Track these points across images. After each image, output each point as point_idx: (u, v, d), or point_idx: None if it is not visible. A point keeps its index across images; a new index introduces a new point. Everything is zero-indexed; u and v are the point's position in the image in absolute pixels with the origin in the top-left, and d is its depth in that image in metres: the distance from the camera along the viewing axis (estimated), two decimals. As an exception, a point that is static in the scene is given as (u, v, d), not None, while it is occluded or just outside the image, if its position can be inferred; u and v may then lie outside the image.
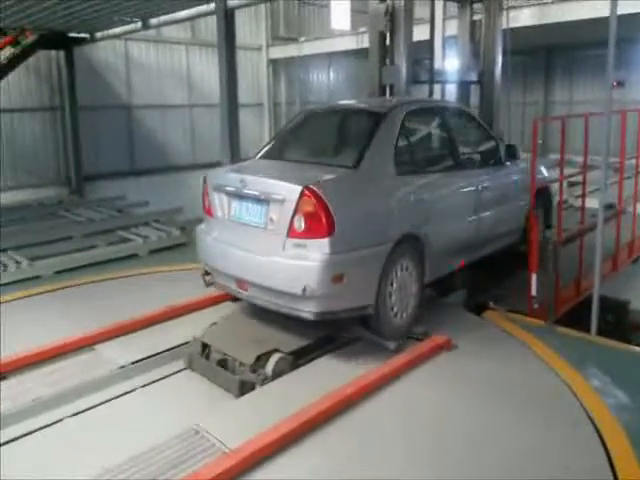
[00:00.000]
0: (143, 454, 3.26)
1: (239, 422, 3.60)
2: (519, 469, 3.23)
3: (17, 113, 12.21)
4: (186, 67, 15.18)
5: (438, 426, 3.64)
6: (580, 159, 6.13)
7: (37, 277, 6.80)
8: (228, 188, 4.62)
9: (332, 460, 3.31)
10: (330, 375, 4.10)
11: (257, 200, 4.39)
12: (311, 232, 4.06)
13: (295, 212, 4.10)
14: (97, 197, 12.21)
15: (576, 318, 5.51)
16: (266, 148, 5.28)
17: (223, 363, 4.25)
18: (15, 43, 11.05)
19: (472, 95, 8.70)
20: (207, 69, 15.26)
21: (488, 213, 5.56)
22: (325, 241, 4.01)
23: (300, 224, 4.08)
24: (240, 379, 4.02)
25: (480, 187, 5.42)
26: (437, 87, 8.22)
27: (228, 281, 4.64)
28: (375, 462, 3.28)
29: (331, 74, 18.50)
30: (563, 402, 3.84)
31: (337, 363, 4.29)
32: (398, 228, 4.44)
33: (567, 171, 5.87)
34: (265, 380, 4.06)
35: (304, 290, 4.01)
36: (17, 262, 6.99)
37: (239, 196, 4.53)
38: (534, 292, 5.16)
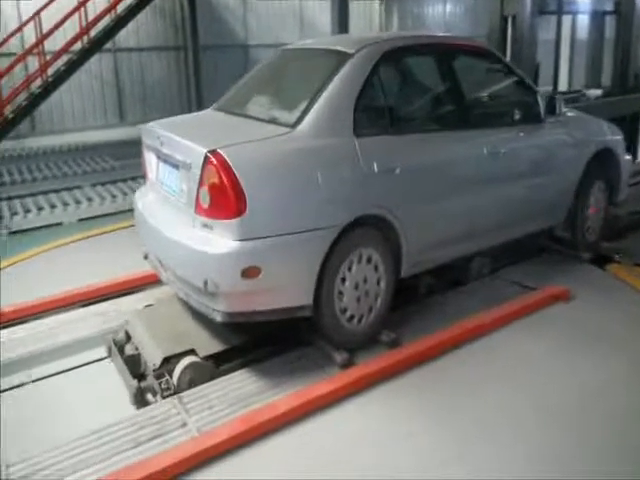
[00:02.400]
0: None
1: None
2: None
3: (145, 52, 12.24)
4: (299, 7, 14.41)
5: (542, 379, 3.27)
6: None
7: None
8: (152, 146, 3.65)
9: (425, 404, 3.09)
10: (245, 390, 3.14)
11: (172, 163, 3.40)
12: (216, 210, 3.01)
13: (200, 182, 3.06)
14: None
15: None
16: (224, 97, 4.17)
17: (135, 360, 3.45)
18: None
19: (607, 28, 7.34)
20: (319, 9, 14.33)
21: (511, 187, 4.08)
22: (232, 223, 2.94)
23: (205, 198, 3.05)
24: (137, 386, 3.19)
25: (499, 151, 3.91)
26: (567, 19, 6.96)
27: (154, 258, 3.70)
28: (467, 410, 3.02)
29: (447, 7, 16.37)
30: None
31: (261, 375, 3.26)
32: (350, 208, 3.23)
33: None
34: (167, 391, 3.16)
35: (205, 284, 3.03)
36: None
37: (160, 157, 3.57)
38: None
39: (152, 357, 3.33)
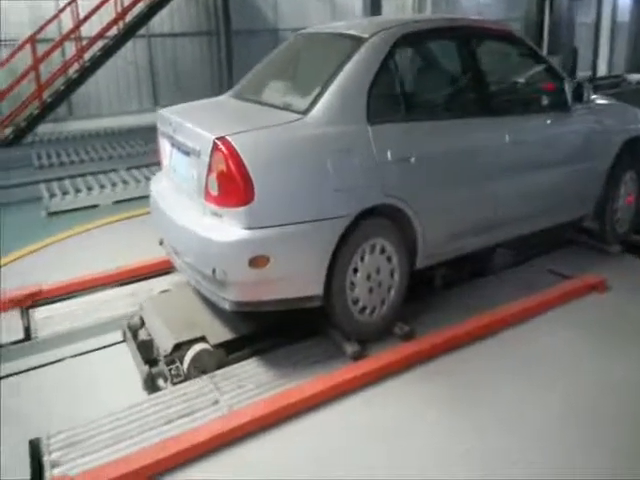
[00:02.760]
0: None
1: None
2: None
3: (179, 37, 12.24)
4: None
5: (573, 371, 3.15)
6: None
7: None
8: (166, 132, 3.60)
9: (452, 386, 3.05)
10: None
11: (183, 150, 3.34)
12: (224, 198, 2.94)
13: (209, 170, 3.00)
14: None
15: None
16: (239, 84, 4.08)
17: (147, 345, 3.44)
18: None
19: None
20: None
21: (534, 177, 3.89)
22: (240, 211, 2.88)
23: (214, 186, 2.98)
24: (147, 372, 3.18)
25: (522, 140, 3.74)
26: (607, 1, 6.48)
27: (168, 244, 3.66)
28: (488, 402, 2.93)
29: (483, -11, 15.82)
30: None
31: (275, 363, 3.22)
32: (361, 198, 3.12)
33: None
34: (177, 378, 3.14)
35: (214, 272, 2.98)
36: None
37: (173, 143, 3.51)
38: None
39: (163, 343, 3.30)
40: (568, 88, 3.98)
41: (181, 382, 3.13)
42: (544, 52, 8.94)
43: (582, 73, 10.37)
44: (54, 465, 2.56)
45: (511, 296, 3.80)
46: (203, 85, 12.66)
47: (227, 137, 2.90)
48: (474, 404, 2.94)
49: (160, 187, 3.74)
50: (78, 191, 6.95)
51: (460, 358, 3.29)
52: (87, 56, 10.80)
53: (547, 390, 3.01)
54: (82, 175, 7.68)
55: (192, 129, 3.22)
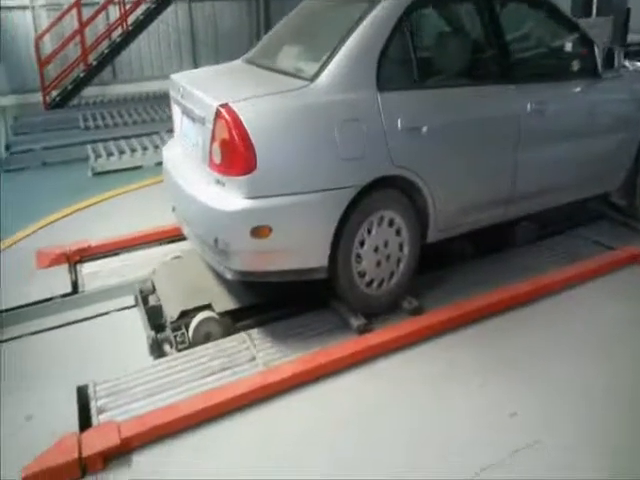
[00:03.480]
0: None
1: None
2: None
3: (219, 2, 12.11)
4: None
5: (617, 349, 3.03)
6: None
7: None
8: (176, 98, 3.52)
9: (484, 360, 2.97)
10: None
11: (191, 117, 3.26)
12: (227, 166, 2.85)
13: (212, 137, 2.92)
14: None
15: None
16: (253, 49, 3.94)
17: (156, 311, 3.43)
18: None
19: None
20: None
21: (557, 149, 3.65)
22: (242, 180, 2.79)
23: (217, 154, 2.89)
24: (153, 337, 3.18)
25: (545, 108, 3.49)
26: None
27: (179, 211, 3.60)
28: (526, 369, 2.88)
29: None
30: None
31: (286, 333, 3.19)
32: (368, 169, 2.98)
33: None
34: (182, 345, 3.13)
35: (216, 242, 2.93)
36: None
37: (184, 110, 3.42)
38: None
39: (171, 309, 3.30)
40: (598, 53, 3.69)
41: (186, 349, 3.12)
42: (593, 12, 8.41)
43: (636, 36, 9.68)
44: (100, 411, 2.64)
45: (551, 265, 3.72)
46: (242, 48, 12.37)
47: (230, 104, 2.80)
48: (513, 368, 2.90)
49: (172, 154, 3.68)
50: (122, 152, 7.06)
51: (500, 326, 3.24)
52: (130, 20, 10.77)
53: (589, 366, 2.90)
54: (126, 137, 7.76)
55: (197, 95, 3.14)
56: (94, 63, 10.55)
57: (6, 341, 3.33)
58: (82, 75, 10.43)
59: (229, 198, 2.85)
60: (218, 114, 2.82)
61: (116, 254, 4.30)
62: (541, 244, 4.08)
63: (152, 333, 3.22)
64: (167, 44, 12.42)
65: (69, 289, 3.82)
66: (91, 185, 6.11)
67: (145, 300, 3.56)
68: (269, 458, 2.42)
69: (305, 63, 3.23)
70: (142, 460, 2.41)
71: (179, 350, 3.11)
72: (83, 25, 10.20)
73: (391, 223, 3.15)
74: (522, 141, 3.46)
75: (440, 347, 3.06)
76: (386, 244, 3.17)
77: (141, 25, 10.78)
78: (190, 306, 3.27)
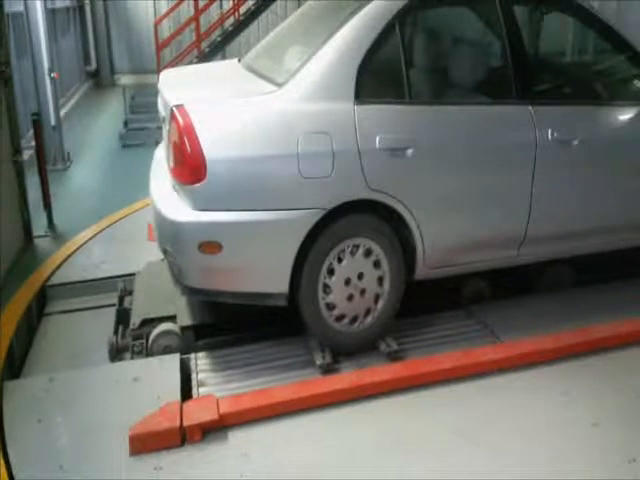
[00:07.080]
0: None
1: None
2: None
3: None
4: None
5: None
6: None
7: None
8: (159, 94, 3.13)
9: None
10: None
11: (164, 115, 2.86)
12: (178, 173, 2.46)
13: (168, 139, 2.54)
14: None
15: None
16: (254, 49, 3.43)
17: (127, 314, 3.13)
18: None
19: None
20: None
21: (591, 185, 2.87)
22: (191, 189, 2.39)
23: (171, 158, 2.51)
24: (112, 342, 2.90)
25: (573, 138, 2.73)
26: None
27: None
28: None
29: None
30: None
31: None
32: (336, 190, 2.45)
33: None
34: (140, 354, 2.84)
35: (165, 253, 2.58)
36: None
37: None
38: None
39: (135, 315, 3.00)
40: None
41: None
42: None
43: None
44: (201, 384, 2.60)
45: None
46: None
47: (185, 105, 2.40)
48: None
49: (157, 153, 3.32)
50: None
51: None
52: (242, 10, 10.69)
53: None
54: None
55: (163, 94, 2.77)
56: (206, 50, 10.61)
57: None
58: (195, 61, 10.52)
59: (180, 208, 2.46)
60: (172, 115, 2.43)
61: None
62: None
63: (113, 337, 2.94)
64: (275, 34, 12.24)
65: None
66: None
67: (121, 300, 3.29)
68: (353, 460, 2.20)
69: (281, 67, 2.73)
70: (237, 438, 2.32)
71: (132, 357, 2.83)
72: (198, 12, 10.27)
73: (368, 253, 2.60)
74: (537, 176, 2.72)
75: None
76: (360, 276, 2.62)
77: (252, 15, 10.67)
78: (153, 315, 2.96)
